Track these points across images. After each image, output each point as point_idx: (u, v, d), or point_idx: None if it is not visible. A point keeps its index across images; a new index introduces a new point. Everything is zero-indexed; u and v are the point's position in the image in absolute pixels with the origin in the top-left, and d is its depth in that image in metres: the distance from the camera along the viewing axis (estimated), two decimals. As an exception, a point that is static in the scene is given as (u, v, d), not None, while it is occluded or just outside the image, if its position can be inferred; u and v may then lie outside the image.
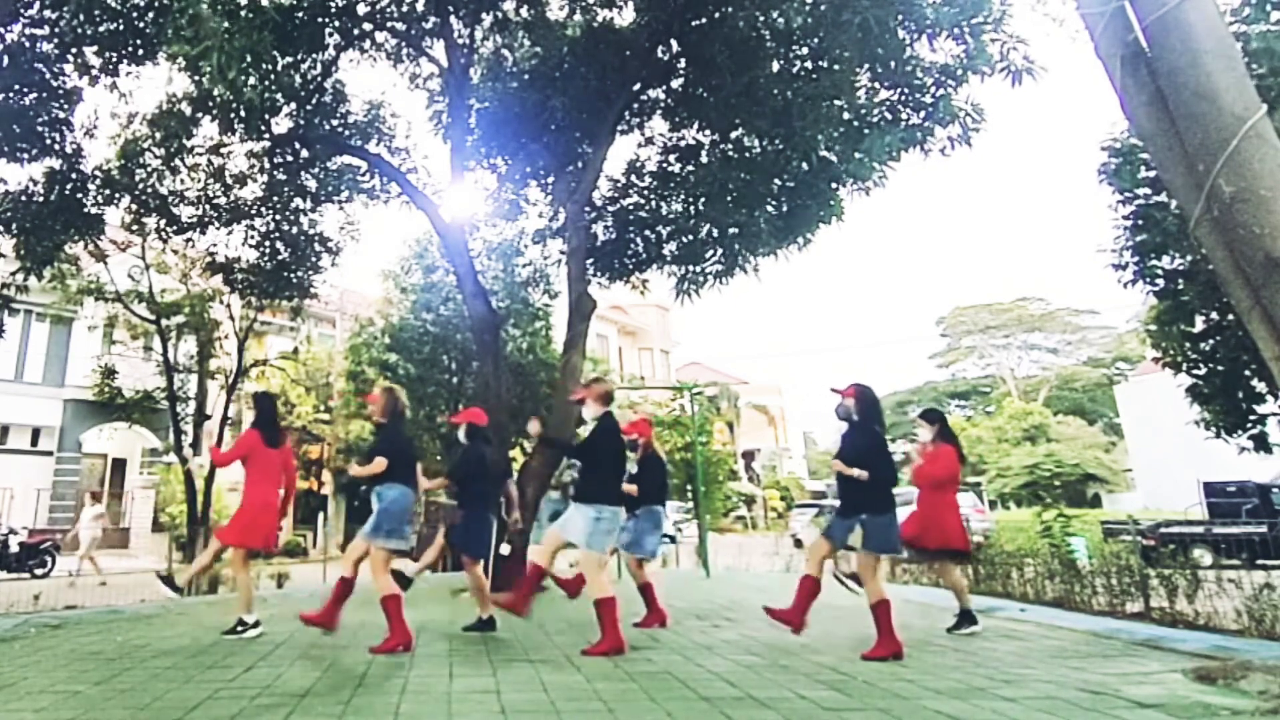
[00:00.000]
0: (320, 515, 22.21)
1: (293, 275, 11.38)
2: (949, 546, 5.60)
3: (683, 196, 10.57)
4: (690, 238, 10.46)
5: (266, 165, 10.61)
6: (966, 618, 5.57)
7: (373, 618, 6.23)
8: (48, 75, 8.89)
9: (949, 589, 5.82)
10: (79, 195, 9.53)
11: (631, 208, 11.13)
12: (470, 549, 5.66)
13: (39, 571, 15.62)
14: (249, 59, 6.60)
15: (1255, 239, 3.88)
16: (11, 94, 8.76)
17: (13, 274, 10.02)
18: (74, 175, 9.42)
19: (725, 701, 3.59)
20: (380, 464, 5.01)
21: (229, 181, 10.70)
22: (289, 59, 8.22)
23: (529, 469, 9.09)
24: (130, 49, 8.70)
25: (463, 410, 6.32)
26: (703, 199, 9.92)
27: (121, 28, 8.43)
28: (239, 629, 5.68)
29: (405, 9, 10.16)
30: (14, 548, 15.58)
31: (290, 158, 10.56)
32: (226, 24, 6.46)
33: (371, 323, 21.99)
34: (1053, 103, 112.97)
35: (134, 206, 10.48)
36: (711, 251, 10.48)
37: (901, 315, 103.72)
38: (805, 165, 9.10)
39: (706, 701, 3.59)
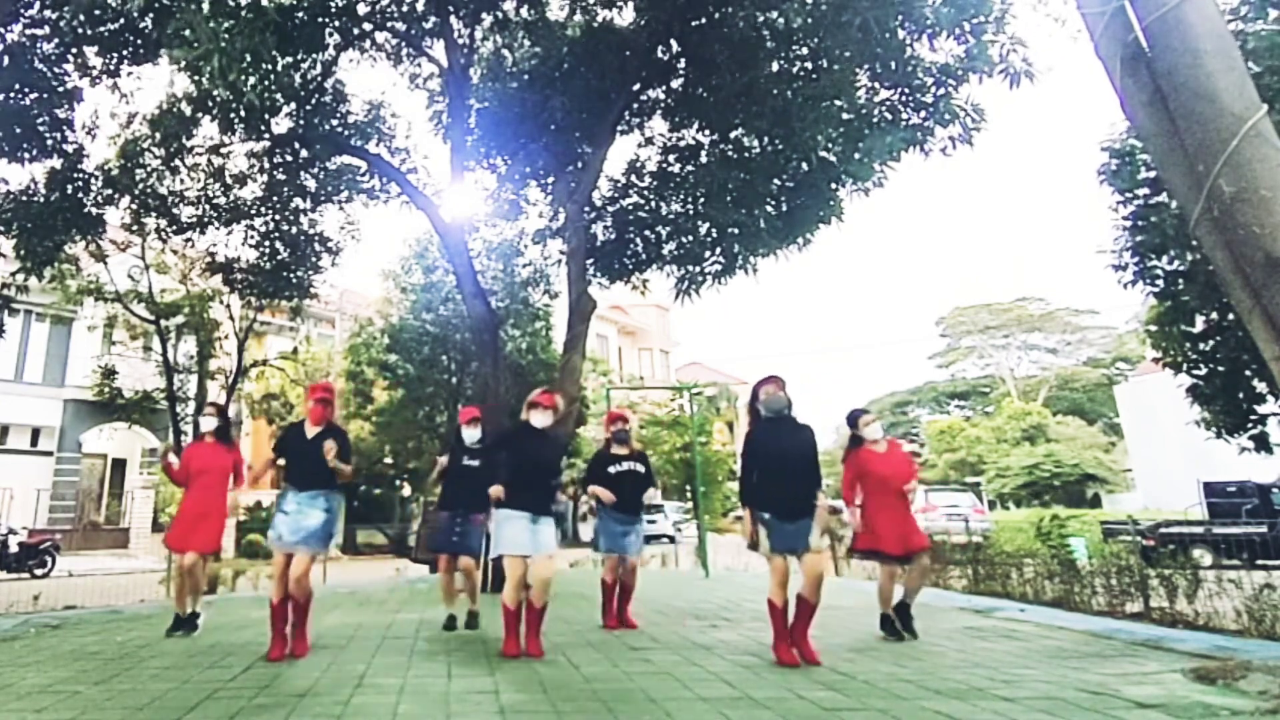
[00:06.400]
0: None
1: (293, 275, 11.39)
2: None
3: (682, 196, 10.57)
4: (690, 238, 10.46)
5: (266, 165, 10.61)
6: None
7: (374, 618, 6.25)
8: (49, 75, 8.89)
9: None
10: (80, 195, 9.54)
11: (631, 208, 11.14)
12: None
13: (39, 571, 15.62)
14: (249, 60, 6.61)
15: (1255, 239, 3.88)
16: (13, 94, 8.77)
17: (13, 274, 10.03)
18: (75, 175, 9.43)
19: (724, 702, 3.58)
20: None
21: (229, 181, 10.70)
22: (289, 59, 8.21)
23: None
24: (131, 50, 8.71)
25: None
26: (702, 199, 9.92)
27: (122, 28, 8.44)
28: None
29: (405, 9, 10.16)
30: (14, 548, 15.57)
31: (290, 158, 10.57)
32: (227, 25, 6.46)
33: (371, 323, 22.02)
34: (1054, 102, 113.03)
35: (134, 206, 10.49)
36: (711, 251, 10.49)
37: (901, 315, 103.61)
38: (805, 165, 9.11)
39: (705, 702, 3.59)
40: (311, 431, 4.93)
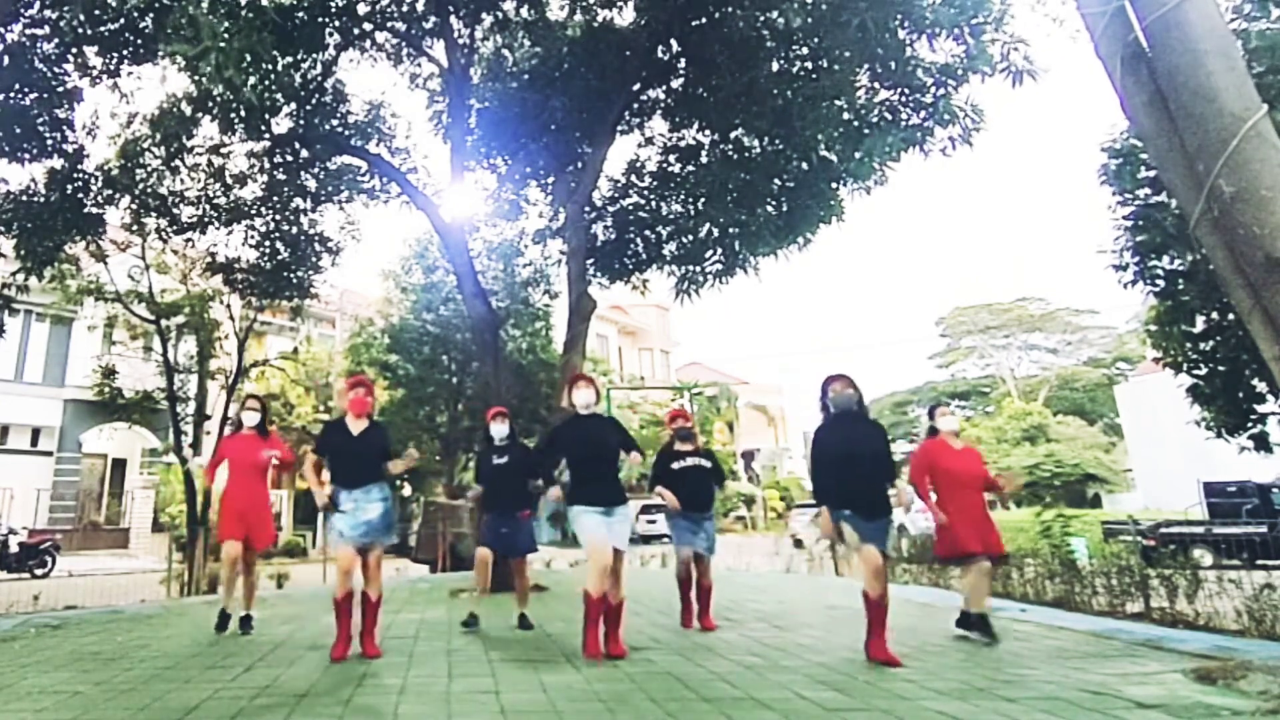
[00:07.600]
0: (320, 515, 22.18)
1: (293, 275, 11.39)
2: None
3: (683, 196, 10.58)
4: (690, 238, 10.47)
5: (266, 165, 10.61)
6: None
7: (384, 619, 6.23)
8: (49, 75, 8.89)
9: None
10: (80, 195, 9.54)
11: (631, 208, 11.14)
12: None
13: (39, 571, 15.63)
14: (248, 59, 6.62)
15: (1255, 239, 3.88)
16: (13, 94, 8.76)
17: (13, 274, 10.02)
18: (75, 175, 9.42)
19: (726, 702, 3.58)
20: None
21: (229, 181, 10.70)
22: (289, 59, 8.22)
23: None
24: (131, 49, 8.71)
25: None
26: (703, 199, 9.93)
27: (122, 28, 8.44)
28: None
29: (405, 9, 10.16)
30: (14, 548, 15.58)
31: (290, 158, 10.57)
32: (226, 24, 6.46)
33: (371, 323, 22.02)
34: (1054, 102, 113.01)
35: (134, 206, 10.48)
36: (711, 251, 10.50)
37: (901, 315, 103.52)
38: (805, 165, 9.12)
39: (708, 702, 3.59)
40: (356, 427, 4.90)
